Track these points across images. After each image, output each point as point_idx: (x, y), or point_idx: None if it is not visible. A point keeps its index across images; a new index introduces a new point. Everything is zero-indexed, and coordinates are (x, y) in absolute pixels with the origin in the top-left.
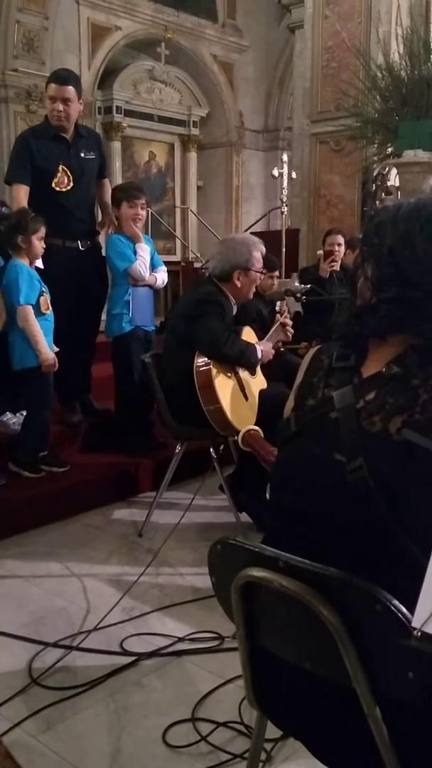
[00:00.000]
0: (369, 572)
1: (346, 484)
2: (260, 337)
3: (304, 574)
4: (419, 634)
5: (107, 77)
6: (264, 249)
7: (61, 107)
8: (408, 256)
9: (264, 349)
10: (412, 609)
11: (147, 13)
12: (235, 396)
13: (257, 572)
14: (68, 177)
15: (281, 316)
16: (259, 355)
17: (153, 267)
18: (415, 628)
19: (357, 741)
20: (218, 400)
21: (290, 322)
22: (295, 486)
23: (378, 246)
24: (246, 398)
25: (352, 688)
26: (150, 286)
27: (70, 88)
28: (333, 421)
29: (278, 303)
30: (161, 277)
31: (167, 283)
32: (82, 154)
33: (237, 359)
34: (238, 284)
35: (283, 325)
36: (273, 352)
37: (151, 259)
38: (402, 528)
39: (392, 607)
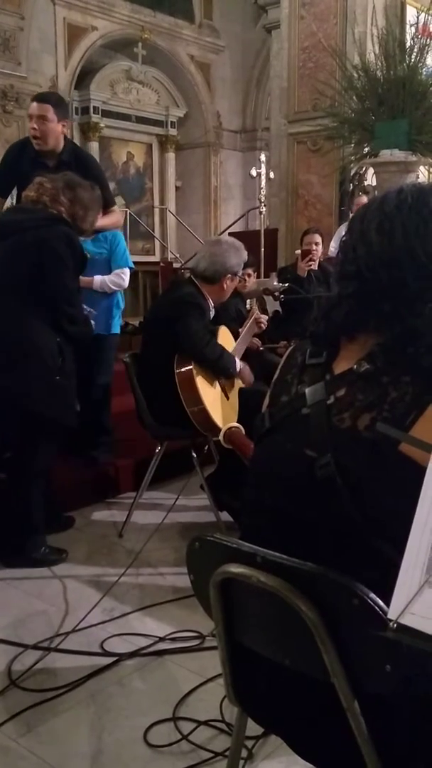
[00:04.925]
0: (340, 567)
1: (316, 480)
2: (237, 335)
3: (282, 569)
4: (395, 625)
5: (84, 77)
6: (246, 254)
7: (35, 125)
8: (364, 252)
9: (244, 370)
10: (385, 603)
11: (123, 13)
12: (217, 396)
13: (235, 568)
14: None
15: (255, 311)
16: (238, 368)
17: (111, 267)
18: (391, 620)
19: (337, 736)
20: (201, 401)
21: (264, 317)
22: (269, 482)
23: (345, 242)
24: (227, 398)
25: (330, 682)
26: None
27: (47, 105)
28: (304, 417)
29: (248, 302)
30: (111, 279)
31: (147, 284)
32: None
33: (215, 363)
34: (225, 287)
35: (257, 320)
36: (252, 376)
37: (110, 255)
38: (369, 524)
39: (369, 601)
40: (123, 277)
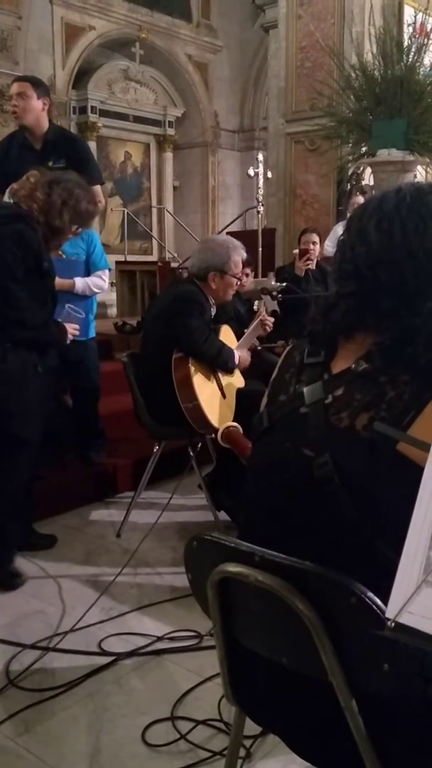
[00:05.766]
0: (338, 567)
1: (314, 480)
2: (238, 335)
3: (280, 568)
4: (393, 624)
5: (82, 77)
6: (245, 254)
7: (16, 102)
8: (363, 251)
9: (242, 355)
10: (382, 602)
11: (121, 13)
12: (213, 394)
13: (233, 567)
14: None
15: (262, 313)
16: (236, 360)
17: (89, 269)
18: (389, 619)
19: (335, 735)
20: (196, 397)
21: (270, 319)
22: (267, 481)
23: (343, 241)
24: (224, 396)
25: (329, 681)
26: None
27: (26, 83)
28: (303, 417)
29: (255, 303)
30: (93, 282)
31: (144, 283)
32: (51, 163)
33: (214, 359)
34: (213, 285)
35: (263, 321)
36: (249, 360)
37: (89, 257)
38: (367, 523)
39: (367, 600)
40: (104, 279)
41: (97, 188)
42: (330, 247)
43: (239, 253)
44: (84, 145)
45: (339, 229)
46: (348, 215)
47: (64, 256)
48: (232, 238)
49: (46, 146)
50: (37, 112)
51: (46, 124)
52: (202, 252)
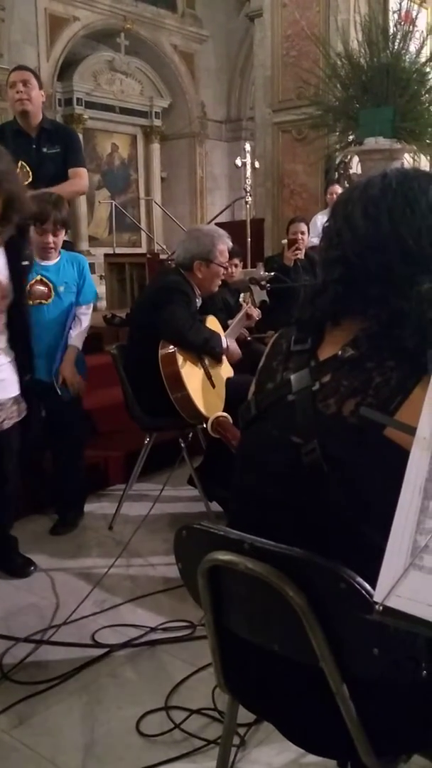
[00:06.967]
0: (327, 553)
1: (303, 466)
2: (226, 327)
3: (269, 555)
4: (381, 608)
5: (67, 69)
6: (230, 243)
7: (22, 88)
8: (350, 237)
9: (231, 345)
10: (371, 586)
11: (105, 3)
12: (202, 383)
13: (222, 555)
14: (26, 173)
15: (246, 305)
16: (224, 345)
17: (77, 301)
18: (377, 603)
19: (327, 720)
20: (185, 387)
21: (256, 311)
22: (256, 469)
23: (329, 228)
24: (213, 386)
25: (320, 667)
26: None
27: (28, 72)
28: (290, 404)
29: (242, 295)
30: (83, 326)
31: (133, 276)
32: (45, 149)
33: (201, 346)
34: (199, 275)
35: (248, 313)
36: (238, 351)
37: (80, 290)
38: (355, 509)
39: (356, 584)
40: (89, 313)
41: (83, 171)
42: (315, 239)
43: (224, 242)
44: (78, 136)
45: (319, 220)
46: (327, 204)
47: (61, 289)
48: (218, 228)
49: (41, 134)
50: (39, 101)
51: (41, 114)
52: (188, 241)
